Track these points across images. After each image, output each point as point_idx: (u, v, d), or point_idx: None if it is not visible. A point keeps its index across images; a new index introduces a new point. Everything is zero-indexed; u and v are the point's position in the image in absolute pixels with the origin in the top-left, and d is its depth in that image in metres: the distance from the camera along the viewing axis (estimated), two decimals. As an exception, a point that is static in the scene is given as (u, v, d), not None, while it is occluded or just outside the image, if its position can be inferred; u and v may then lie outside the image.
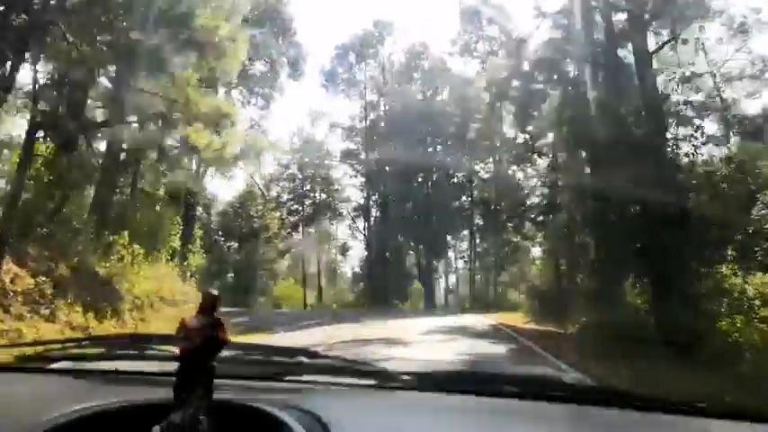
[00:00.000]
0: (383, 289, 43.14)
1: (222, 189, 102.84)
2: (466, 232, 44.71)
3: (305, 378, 1.47)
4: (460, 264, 48.94)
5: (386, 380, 1.47)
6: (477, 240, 43.23)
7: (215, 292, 0.88)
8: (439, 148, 43.96)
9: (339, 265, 55.45)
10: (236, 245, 54.61)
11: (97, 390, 1.23)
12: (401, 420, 1.19)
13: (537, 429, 1.23)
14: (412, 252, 45.24)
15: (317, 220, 51.01)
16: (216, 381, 0.92)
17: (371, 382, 1.47)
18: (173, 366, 0.89)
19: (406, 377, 1.46)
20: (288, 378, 1.45)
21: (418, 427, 1.16)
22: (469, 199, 42.73)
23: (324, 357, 1.65)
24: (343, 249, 51.23)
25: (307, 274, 53.45)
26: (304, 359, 1.56)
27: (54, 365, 1.46)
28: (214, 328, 0.85)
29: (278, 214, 52.42)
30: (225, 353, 1.19)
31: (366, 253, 47.49)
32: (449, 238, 42.79)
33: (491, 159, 41.52)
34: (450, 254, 46.07)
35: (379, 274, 43.77)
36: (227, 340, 0.88)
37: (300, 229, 51.46)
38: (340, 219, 50.72)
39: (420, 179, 42.76)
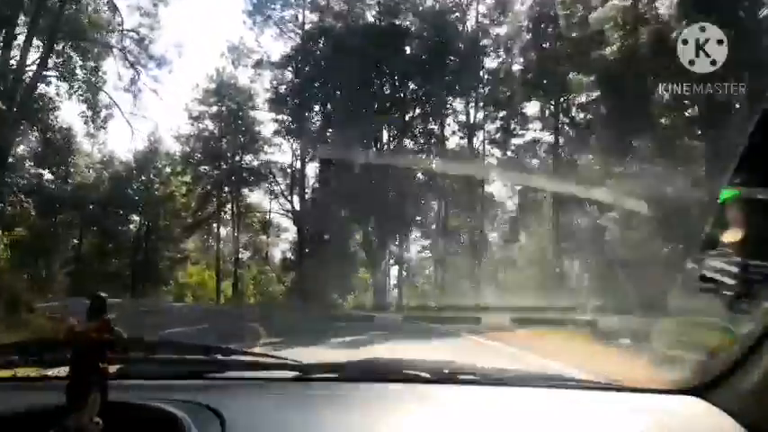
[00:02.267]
0: (319, 280, 32.32)
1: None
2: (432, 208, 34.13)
3: (220, 375, 1.47)
4: (418, 247, 38.26)
5: (303, 372, 1.47)
6: (446, 215, 32.75)
7: (102, 295, 0.86)
8: (399, 91, 33.08)
9: (268, 247, 44.00)
10: (135, 217, 42.46)
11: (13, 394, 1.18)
12: (303, 411, 1.22)
13: (446, 411, 1.29)
14: (360, 231, 34.35)
15: (237, 189, 39.44)
16: (126, 381, 1.02)
17: (287, 374, 1.47)
18: (64, 371, 0.88)
19: (319, 369, 1.48)
20: (204, 376, 1.44)
21: (314, 417, 1.18)
22: (437, 158, 32.07)
23: (240, 353, 1.58)
24: (265, 225, 39.86)
25: (225, 259, 41.94)
26: (219, 356, 1.54)
27: None
28: (102, 330, 0.84)
29: (186, 179, 40.65)
30: (138, 353, 1.39)
31: (297, 232, 36.40)
32: (410, 210, 31.72)
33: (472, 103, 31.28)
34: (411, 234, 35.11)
35: (314, 259, 32.85)
36: (113, 340, 0.85)
37: (214, 199, 39.81)
38: (265, 186, 39.25)
39: (373, 131, 31.91)
